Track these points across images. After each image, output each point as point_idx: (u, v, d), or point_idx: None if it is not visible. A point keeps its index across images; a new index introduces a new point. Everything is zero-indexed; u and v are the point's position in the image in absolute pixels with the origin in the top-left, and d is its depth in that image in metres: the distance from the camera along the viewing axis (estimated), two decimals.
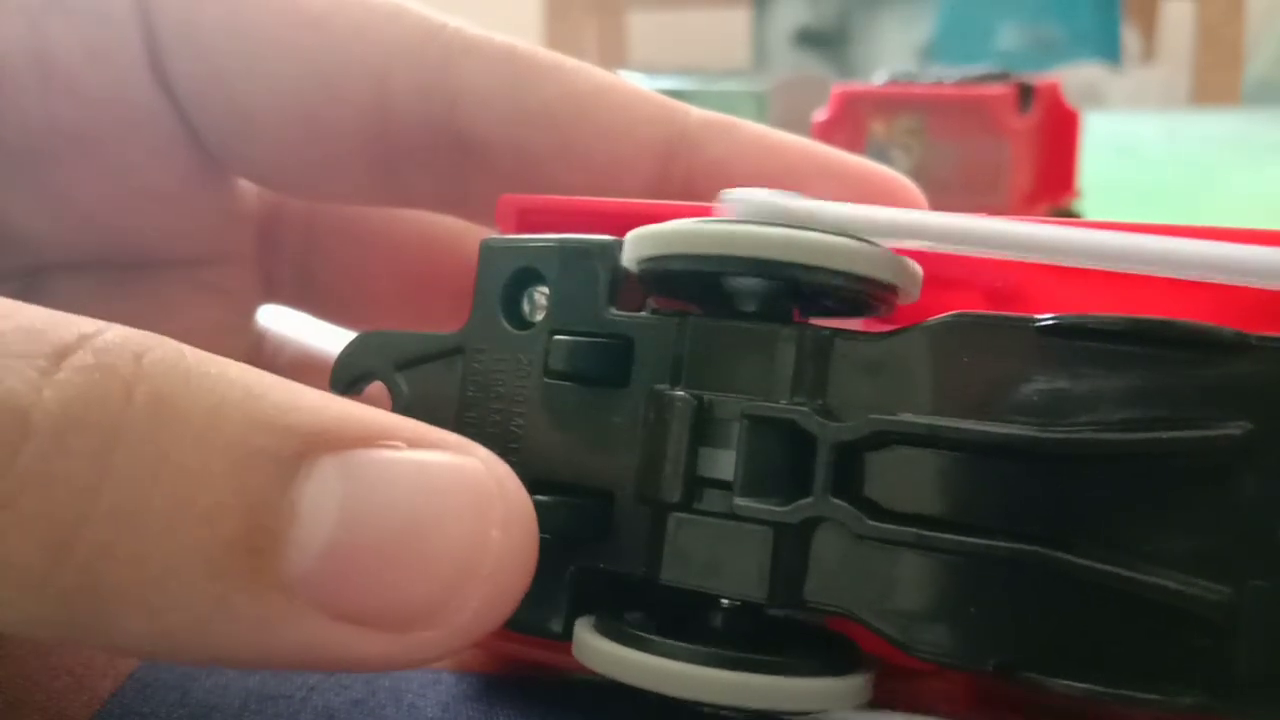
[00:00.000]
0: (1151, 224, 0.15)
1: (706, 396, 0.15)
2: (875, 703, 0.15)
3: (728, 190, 0.16)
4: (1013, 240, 0.15)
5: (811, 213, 0.15)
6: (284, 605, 0.13)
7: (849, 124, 0.49)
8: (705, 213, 0.16)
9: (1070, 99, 0.50)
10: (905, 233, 0.15)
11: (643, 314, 0.16)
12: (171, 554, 0.12)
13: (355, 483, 0.13)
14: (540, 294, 0.17)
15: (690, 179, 0.21)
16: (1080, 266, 0.15)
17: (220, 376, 0.13)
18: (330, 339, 0.26)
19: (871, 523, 0.14)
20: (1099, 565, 0.13)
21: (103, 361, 0.12)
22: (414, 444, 0.14)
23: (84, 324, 0.13)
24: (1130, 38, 1.69)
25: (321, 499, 0.13)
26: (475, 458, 0.14)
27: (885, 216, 0.15)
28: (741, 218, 0.15)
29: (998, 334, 0.14)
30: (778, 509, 0.14)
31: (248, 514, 0.13)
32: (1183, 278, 0.14)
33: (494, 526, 0.13)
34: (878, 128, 0.49)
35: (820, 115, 0.50)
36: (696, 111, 0.22)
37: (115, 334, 0.13)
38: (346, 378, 0.18)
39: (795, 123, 0.40)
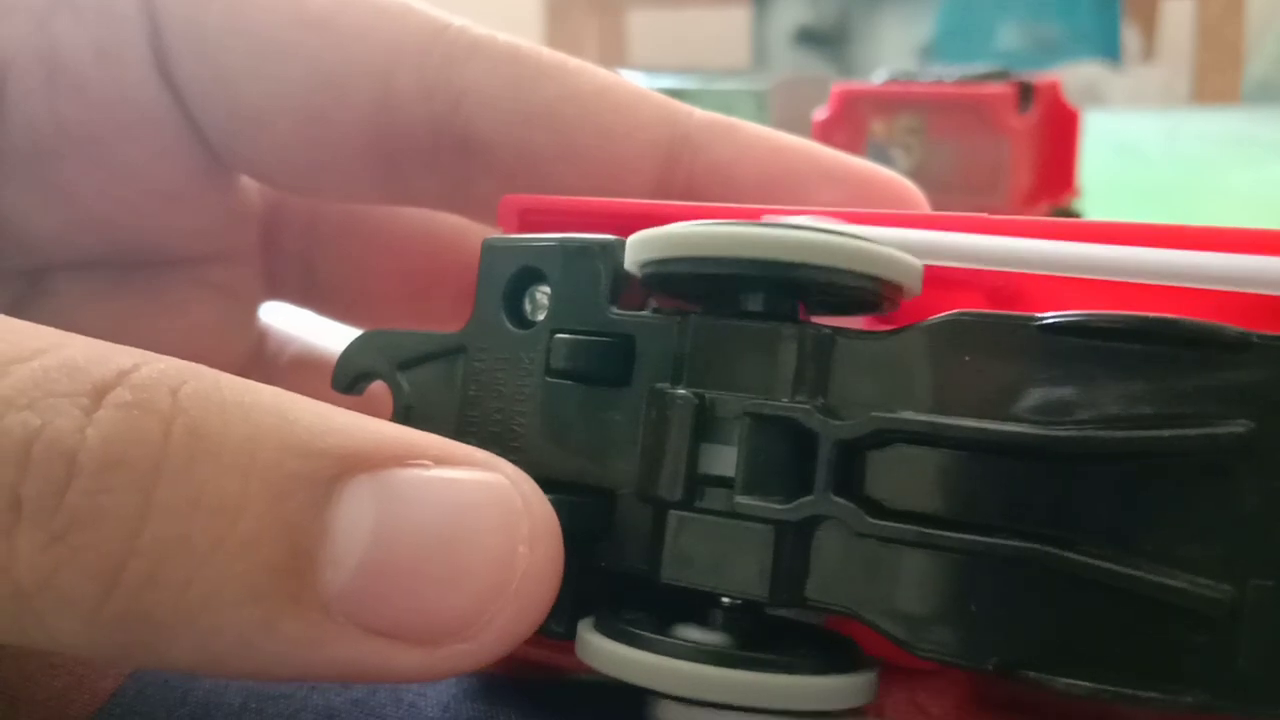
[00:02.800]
0: (1152, 225, 0.15)
1: (708, 395, 0.15)
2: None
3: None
4: (1015, 257, 0.15)
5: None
6: (323, 623, 0.13)
7: (849, 123, 0.49)
8: (706, 214, 0.16)
9: (1070, 98, 0.50)
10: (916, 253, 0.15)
11: (644, 313, 0.16)
12: (214, 579, 0.13)
13: (387, 502, 0.13)
14: (542, 293, 0.17)
15: (691, 180, 0.21)
16: (1084, 277, 0.15)
17: (254, 405, 0.13)
18: (332, 337, 0.26)
19: (873, 521, 0.14)
20: (1101, 563, 0.13)
21: (140, 399, 0.13)
22: (442, 461, 0.14)
23: (123, 358, 0.13)
24: (1130, 37, 1.69)
25: (356, 519, 0.13)
26: (501, 473, 0.14)
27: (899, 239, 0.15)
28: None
29: (999, 332, 0.14)
30: (779, 507, 0.14)
31: (286, 537, 0.13)
32: (1188, 286, 0.14)
33: (521, 541, 0.14)
34: (878, 127, 0.49)
35: (820, 114, 0.50)
36: (699, 113, 0.22)
37: (152, 369, 0.13)
38: (348, 377, 0.18)
39: (795, 122, 0.40)
